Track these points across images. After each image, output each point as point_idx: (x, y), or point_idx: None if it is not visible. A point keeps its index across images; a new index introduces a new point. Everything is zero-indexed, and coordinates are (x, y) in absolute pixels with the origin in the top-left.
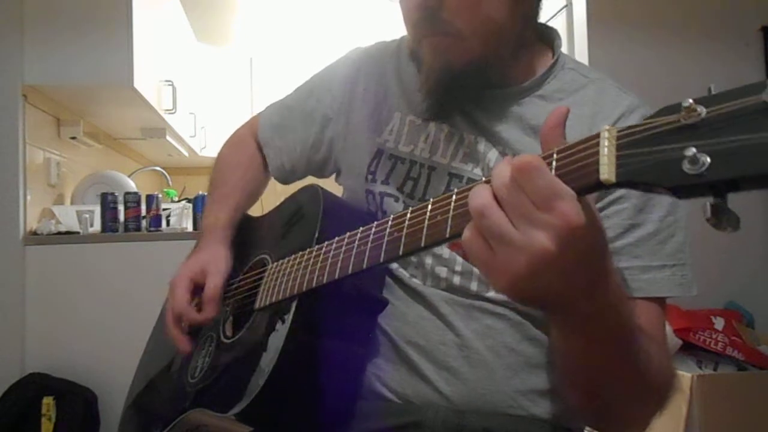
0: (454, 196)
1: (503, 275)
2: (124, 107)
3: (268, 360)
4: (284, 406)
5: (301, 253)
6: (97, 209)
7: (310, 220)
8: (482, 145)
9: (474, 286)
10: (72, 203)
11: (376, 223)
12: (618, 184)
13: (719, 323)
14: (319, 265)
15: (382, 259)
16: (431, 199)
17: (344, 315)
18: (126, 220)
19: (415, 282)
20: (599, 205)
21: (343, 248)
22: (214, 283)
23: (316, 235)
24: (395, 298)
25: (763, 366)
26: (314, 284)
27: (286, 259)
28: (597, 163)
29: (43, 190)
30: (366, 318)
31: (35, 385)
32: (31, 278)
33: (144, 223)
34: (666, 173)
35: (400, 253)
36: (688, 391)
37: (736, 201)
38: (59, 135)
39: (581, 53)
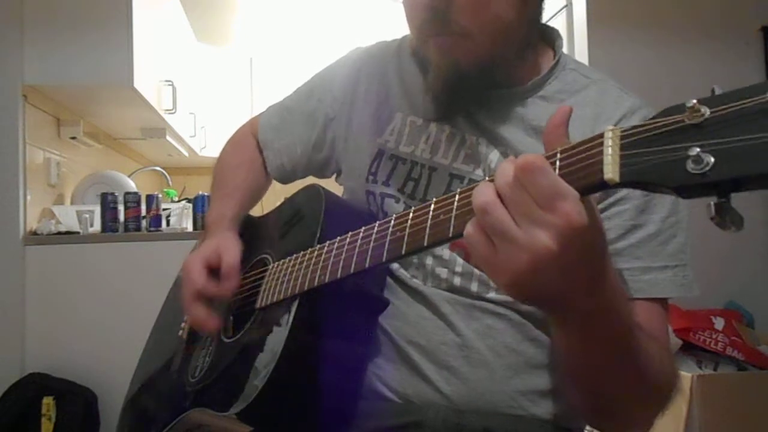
0: (457, 196)
1: (504, 272)
2: (124, 107)
3: (269, 360)
4: (285, 405)
5: (302, 252)
6: (97, 209)
7: (312, 220)
8: (483, 146)
9: (474, 287)
10: (72, 203)
11: (378, 222)
12: (622, 184)
13: (719, 323)
14: (320, 264)
15: (384, 259)
16: (434, 199)
17: (345, 315)
18: (126, 220)
19: (416, 282)
20: (600, 206)
21: (345, 248)
22: (230, 257)
23: (318, 235)
24: (396, 298)
25: (763, 366)
26: (316, 284)
27: (288, 258)
28: (601, 162)
29: (43, 190)
30: (367, 318)
31: (35, 385)
32: (31, 278)
33: (144, 223)
34: (670, 173)
35: (403, 252)
36: (688, 391)
37: (736, 201)
38: (59, 135)
39: (581, 53)
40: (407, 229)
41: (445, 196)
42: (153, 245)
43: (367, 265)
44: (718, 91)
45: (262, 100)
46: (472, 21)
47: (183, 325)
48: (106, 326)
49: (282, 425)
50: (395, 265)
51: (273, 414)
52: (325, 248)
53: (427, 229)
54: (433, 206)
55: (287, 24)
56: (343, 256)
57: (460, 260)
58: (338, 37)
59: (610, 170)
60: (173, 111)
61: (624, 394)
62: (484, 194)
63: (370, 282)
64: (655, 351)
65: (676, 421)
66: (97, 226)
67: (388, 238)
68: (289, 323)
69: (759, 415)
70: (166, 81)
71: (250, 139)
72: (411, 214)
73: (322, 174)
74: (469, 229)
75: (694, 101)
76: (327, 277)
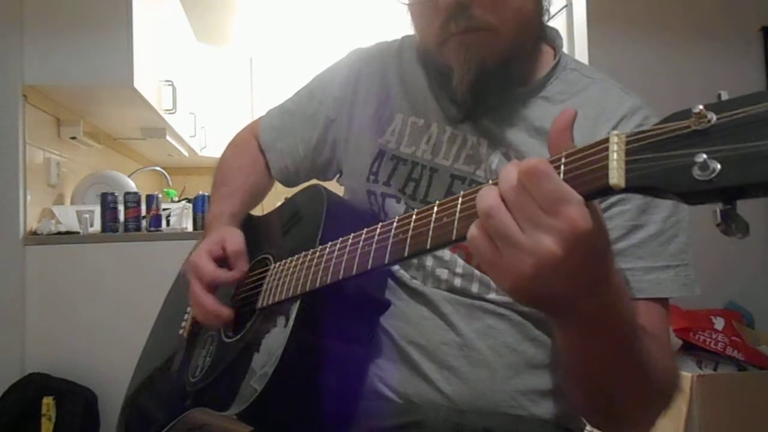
0: (460, 199)
1: (508, 276)
2: (124, 107)
3: (270, 360)
4: (286, 405)
5: (304, 253)
6: (97, 209)
7: (314, 220)
8: (485, 148)
9: (475, 288)
10: (72, 203)
11: (380, 224)
12: (627, 190)
13: (719, 323)
14: (322, 265)
15: (386, 260)
16: (437, 201)
17: (346, 316)
18: (126, 220)
19: (416, 283)
20: (602, 206)
21: (347, 249)
22: (234, 243)
23: (320, 235)
24: (397, 299)
25: (763, 366)
26: (317, 284)
27: (289, 259)
28: (606, 167)
29: (43, 190)
30: (368, 319)
31: (35, 385)
32: (31, 278)
33: (144, 223)
34: (676, 179)
35: (406, 254)
36: (688, 391)
37: (737, 202)
38: (59, 135)
39: (581, 53)
40: (410, 232)
41: (448, 199)
42: (153, 245)
43: (369, 267)
44: (724, 97)
45: (262, 101)
46: (496, 15)
47: (184, 324)
48: (106, 326)
49: (282, 425)
50: (395, 267)
51: (273, 414)
52: (327, 249)
53: (430, 232)
54: (436, 209)
55: (287, 24)
56: (345, 258)
57: (460, 261)
58: (338, 37)
59: (616, 175)
60: (173, 111)
61: (626, 394)
62: (488, 198)
63: (371, 283)
64: (656, 351)
65: (676, 421)
66: (97, 226)
67: (391, 240)
68: (290, 324)
69: (759, 415)
70: (166, 81)
71: (252, 142)
72: (414, 217)
73: (324, 176)
74: (473, 232)
75: (701, 107)
76: (329, 278)
